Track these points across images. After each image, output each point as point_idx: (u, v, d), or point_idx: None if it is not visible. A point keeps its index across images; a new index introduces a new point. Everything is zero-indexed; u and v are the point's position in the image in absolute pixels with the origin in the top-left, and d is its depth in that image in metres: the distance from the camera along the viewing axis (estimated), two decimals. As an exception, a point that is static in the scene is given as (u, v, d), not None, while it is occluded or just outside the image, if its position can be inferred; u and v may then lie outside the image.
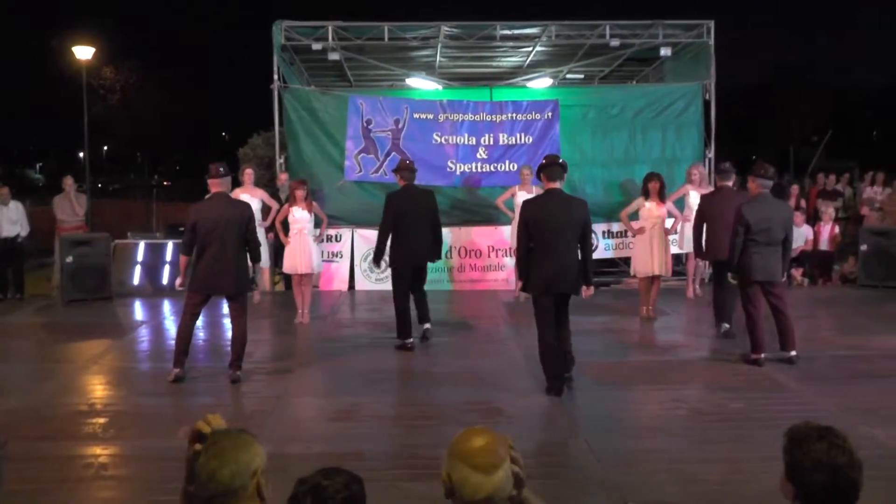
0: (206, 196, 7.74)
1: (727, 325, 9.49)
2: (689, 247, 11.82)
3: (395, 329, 9.04)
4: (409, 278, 9.06)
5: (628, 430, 6.26)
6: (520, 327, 9.97)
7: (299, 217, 10.33)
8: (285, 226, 10.53)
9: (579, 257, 7.23)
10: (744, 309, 8.14)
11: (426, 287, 9.53)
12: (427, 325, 9.37)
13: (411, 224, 8.96)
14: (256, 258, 7.93)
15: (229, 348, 7.78)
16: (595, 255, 13.29)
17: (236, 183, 11.25)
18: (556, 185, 7.23)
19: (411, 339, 8.99)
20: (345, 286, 13.14)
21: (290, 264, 10.45)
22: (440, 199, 13.44)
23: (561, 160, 7.39)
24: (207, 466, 2.44)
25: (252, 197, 11.62)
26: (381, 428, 6.30)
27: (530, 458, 5.33)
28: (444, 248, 13.14)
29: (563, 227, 7.10)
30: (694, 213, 11.16)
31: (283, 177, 13.01)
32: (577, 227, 7.14)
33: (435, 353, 8.87)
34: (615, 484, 5.15)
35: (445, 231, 13.20)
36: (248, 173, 12.32)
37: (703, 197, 10.13)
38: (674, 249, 11.58)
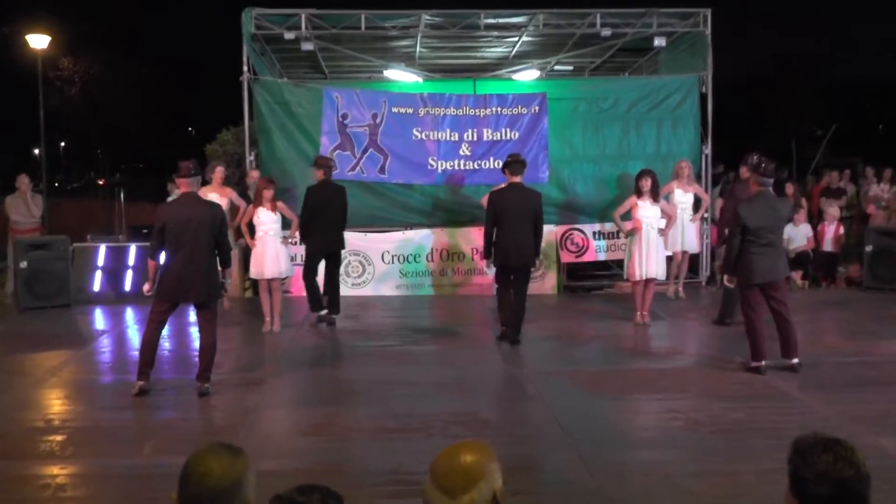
0: (174, 196, 7.72)
1: (729, 321, 10.18)
2: (674, 247, 11.97)
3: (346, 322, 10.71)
4: (319, 261, 10.91)
5: (622, 441, 6.28)
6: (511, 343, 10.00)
7: (265, 219, 10.31)
8: (251, 228, 10.50)
9: (533, 238, 9.57)
10: (743, 314, 8.20)
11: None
12: (329, 313, 10.92)
13: (325, 215, 10.57)
14: (227, 262, 7.92)
15: (197, 359, 7.74)
16: (586, 258, 13.59)
17: (204, 182, 11.24)
18: (517, 179, 9.66)
19: (324, 310, 10.88)
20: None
21: (256, 269, 10.43)
22: (421, 197, 13.58)
23: (521, 157, 10.01)
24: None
25: (221, 197, 11.59)
26: (359, 442, 6.29)
27: (519, 471, 5.34)
28: (426, 251, 13.22)
29: (521, 213, 9.47)
30: (679, 210, 11.85)
31: (254, 174, 12.91)
32: (531, 213, 9.54)
33: (417, 362, 8.88)
34: (608, 498, 5.17)
35: (426, 232, 13.31)
36: (219, 171, 12.28)
37: (734, 186, 10.62)
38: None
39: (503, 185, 9.99)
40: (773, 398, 7.32)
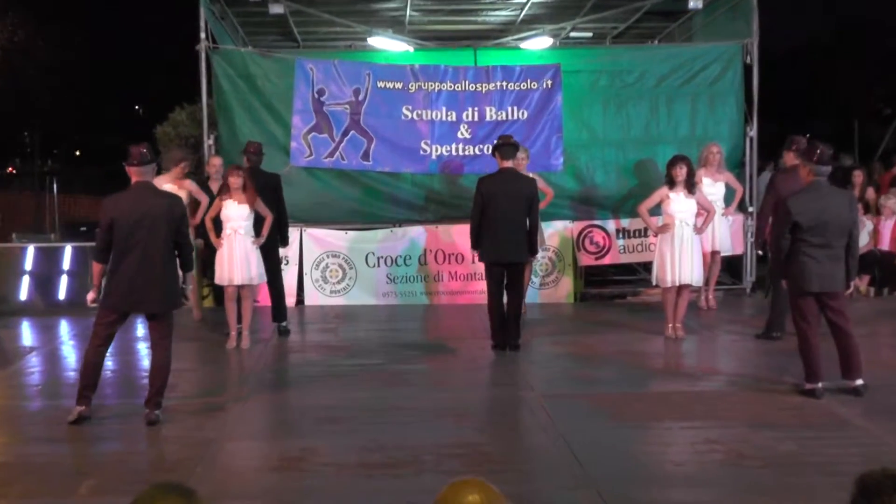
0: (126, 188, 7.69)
1: (776, 334, 10.28)
2: (703, 247, 11.76)
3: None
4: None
5: (650, 477, 6.29)
6: (511, 349, 10.04)
7: (234, 214, 10.27)
8: (217, 224, 10.47)
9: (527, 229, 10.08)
10: (795, 326, 8.20)
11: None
12: (275, 321, 11.34)
13: None
14: (188, 266, 7.93)
15: (146, 381, 7.74)
16: (607, 260, 13.61)
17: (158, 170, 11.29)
18: (509, 164, 10.18)
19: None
20: (292, 300, 13.11)
21: (222, 273, 10.39)
22: (411, 188, 13.58)
23: (513, 139, 10.52)
24: None
25: (179, 189, 11.61)
26: (338, 479, 6.30)
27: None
28: (419, 252, 13.22)
29: (513, 202, 9.96)
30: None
31: (216, 161, 12.80)
32: (524, 202, 10.01)
33: (406, 384, 8.88)
34: (635, 547, 5.18)
35: (418, 230, 13.31)
36: (184, 165, 12.28)
37: (776, 176, 10.45)
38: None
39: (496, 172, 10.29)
40: (831, 427, 7.32)
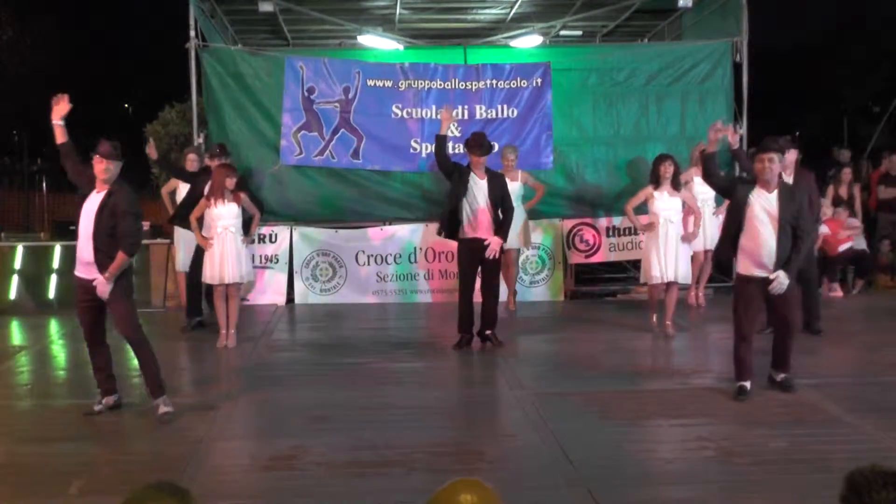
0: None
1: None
2: (695, 246, 11.81)
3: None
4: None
5: (641, 475, 6.29)
6: (503, 348, 10.03)
7: (225, 213, 10.26)
8: (201, 224, 10.45)
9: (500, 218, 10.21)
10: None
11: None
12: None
13: None
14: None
15: (136, 379, 7.73)
16: (597, 258, 13.62)
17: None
18: (480, 160, 10.21)
19: (198, 318, 11.45)
20: (282, 299, 13.11)
21: (213, 272, 10.38)
22: (401, 187, 13.58)
23: (485, 140, 10.36)
24: None
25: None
26: (329, 478, 6.29)
27: (519, 513, 5.34)
28: (409, 250, 13.21)
29: (487, 195, 10.04)
30: (699, 203, 11.70)
31: (191, 156, 12.79)
32: (497, 194, 10.11)
33: (397, 383, 8.89)
34: (626, 545, 5.18)
35: (408, 228, 13.30)
36: (192, 158, 12.27)
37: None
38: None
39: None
40: (821, 424, 7.33)
